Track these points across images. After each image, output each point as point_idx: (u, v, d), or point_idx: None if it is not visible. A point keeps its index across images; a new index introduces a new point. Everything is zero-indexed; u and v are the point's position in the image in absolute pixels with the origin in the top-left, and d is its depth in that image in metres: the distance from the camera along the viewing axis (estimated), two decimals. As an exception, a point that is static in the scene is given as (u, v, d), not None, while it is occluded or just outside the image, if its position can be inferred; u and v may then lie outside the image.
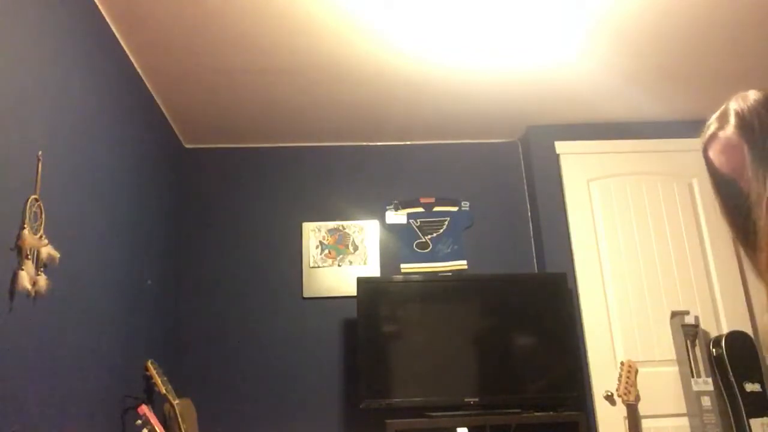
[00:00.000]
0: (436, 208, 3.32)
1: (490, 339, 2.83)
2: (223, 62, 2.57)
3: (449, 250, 3.24)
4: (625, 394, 2.71)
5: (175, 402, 2.43)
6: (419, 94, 2.90)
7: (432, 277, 2.98)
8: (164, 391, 2.41)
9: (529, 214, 3.33)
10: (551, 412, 2.71)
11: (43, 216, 1.68)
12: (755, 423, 2.69)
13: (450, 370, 2.77)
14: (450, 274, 3.18)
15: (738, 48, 2.64)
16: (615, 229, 3.12)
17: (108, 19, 2.25)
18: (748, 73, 2.85)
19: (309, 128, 3.21)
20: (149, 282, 2.69)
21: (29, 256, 1.60)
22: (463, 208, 3.32)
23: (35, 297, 1.65)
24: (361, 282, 2.86)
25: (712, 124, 1.27)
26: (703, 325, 2.95)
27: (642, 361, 2.90)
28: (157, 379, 2.43)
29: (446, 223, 3.29)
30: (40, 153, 1.70)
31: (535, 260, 3.25)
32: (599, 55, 2.63)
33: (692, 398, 2.76)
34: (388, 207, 3.30)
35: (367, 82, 2.77)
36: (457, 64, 2.65)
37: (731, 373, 2.77)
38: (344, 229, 3.23)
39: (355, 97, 2.91)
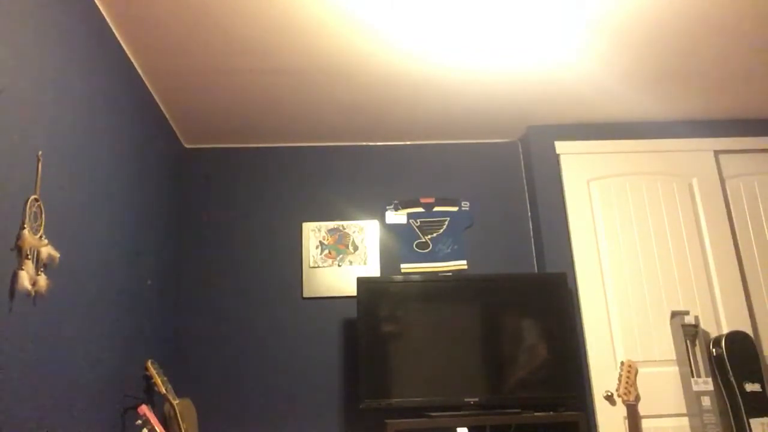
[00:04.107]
0: (436, 208, 3.32)
1: (490, 339, 2.83)
2: (223, 62, 2.57)
3: (449, 250, 3.24)
4: (625, 394, 2.72)
5: (175, 402, 2.43)
6: (419, 94, 2.90)
7: (432, 277, 2.98)
8: (164, 391, 2.41)
9: (529, 214, 3.33)
10: (551, 412, 2.71)
11: (43, 216, 1.68)
12: (755, 423, 2.69)
13: (450, 370, 2.77)
14: (450, 274, 3.18)
15: (738, 48, 2.64)
16: (615, 229, 3.12)
17: (108, 19, 2.25)
18: (748, 73, 2.85)
19: (309, 128, 3.21)
20: (149, 282, 2.69)
21: (29, 256, 1.60)
22: (463, 208, 3.32)
23: (35, 297, 1.65)
24: (361, 282, 2.86)
25: None
26: (703, 325, 2.95)
27: (642, 361, 2.90)
28: (157, 379, 2.43)
29: (446, 223, 3.29)
30: (40, 153, 1.70)
31: (535, 260, 3.25)
32: (599, 55, 2.63)
33: (692, 398, 2.76)
34: (388, 207, 3.30)
35: (367, 82, 2.77)
36: (458, 64, 2.65)
37: (731, 373, 2.77)
38: (344, 229, 3.23)
39: (355, 97, 2.91)
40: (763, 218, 3.20)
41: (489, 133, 3.37)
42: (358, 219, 3.27)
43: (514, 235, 3.30)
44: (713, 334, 2.95)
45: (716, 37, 2.55)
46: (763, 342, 2.98)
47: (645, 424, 2.82)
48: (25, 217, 1.60)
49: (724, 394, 2.79)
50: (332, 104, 2.96)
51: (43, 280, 1.65)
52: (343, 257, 3.18)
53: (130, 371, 2.40)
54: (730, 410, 2.77)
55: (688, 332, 2.87)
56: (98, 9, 2.17)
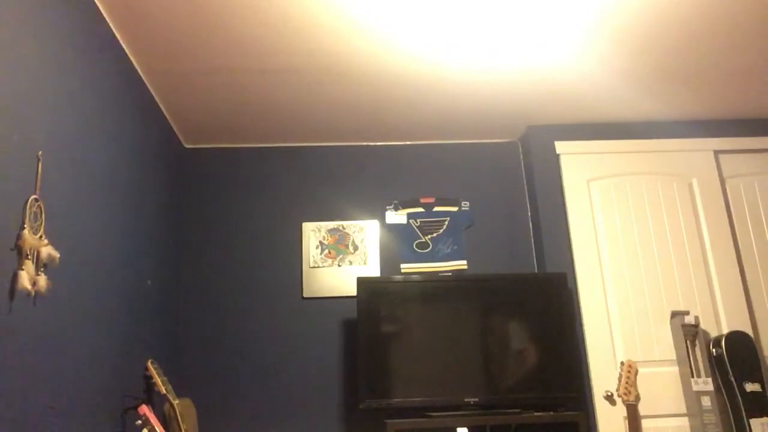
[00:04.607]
0: (436, 208, 3.32)
1: (490, 339, 2.83)
2: (223, 62, 2.57)
3: (449, 250, 3.24)
4: (625, 394, 2.71)
5: (175, 402, 2.43)
6: (419, 94, 2.90)
7: (432, 277, 2.98)
8: (164, 391, 2.41)
9: (529, 213, 3.33)
10: (551, 412, 2.71)
11: (43, 216, 1.68)
12: (755, 423, 2.69)
13: (450, 370, 2.77)
14: (450, 274, 3.18)
15: (738, 47, 2.64)
16: (615, 229, 3.12)
17: (108, 19, 2.25)
18: (748, 72, 2.85)
19: (309, 128, 3.21)
20: (149, 282, 2.69)
21: (29, 256, 1.60)
22: (463, 208, 3.32)
23: (35, 297, 1.65)
24: (361, 282, 2.86)
25: None
26: (703, 325, 2.95)
27: (642, 361, 2.90)
28: (157, 379, 2.43)
29: (446, 223, 3.29)
30: (40, 153, 1.70)
31: (535, 260, 3.25)
32: (599, 55, 2.63)
33: (692, 398, 2.76)
34: (388, 207, 3.30)
35: (367, 82, 2.77)
36: (457, 63, 2.65)
37: (731, 373, 2.77)
38: (344, 229, 3.23)
39: (355, 97, 2.91)
40: (763, 218, 3.20)
41: (489, 133, 3.37)
42: (358, 219, 3.27)
43: (514, 235, 3.30)
44: (713, 334, 2.95)
45: (716, 37, 2.55)
46: (763, 342, 2.98)
47: (645, 424, 2.81)
48: (25, 217, 1.60)
49: (724, 394, 2.79)
50: (332, 104, 2.96)
51: (43, 280, 1.65)
52: (343, 257, 3.18)
53: (130, 371, 2.40)
54: (730, 410, 2.77)
55: (688, 332, 2.87)
56: (98, 9, 2.17)
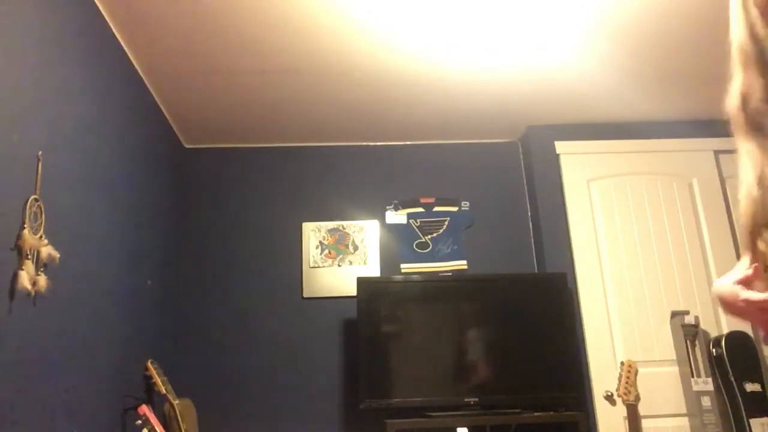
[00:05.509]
0: (436, 208, 3.32)
1: (490, 339, 2.83)
2: (223, 62, 2.57)
3: (449, 250, 3.24)
4: (625, 394, 2.71)
5: (175, 402, 2.43)
6: (419, 94, 2.90)
7: (432, 277, 2.98)
8: (164, 391, 2.41)
9: (529, 213, 3.33)
10: (551, 412, 2.71)
11: (43, 216, 1.68)
12: (755, 423, 2.69)
13: (450, 370, 2.77)
14: (450, 274, 3.18)
15: (738, 48, 2.63)
16: (615, 229, 3.12)
17: (108, 19, 2.25)
18: (748, 73, 2.84)
19: (309, 128, 3.21)
20: (149, 282, 2.69)
21: (29, 256, 1.60)
22: (463, 208, 3.32)
23: (35, 297, 1.65)
24: (361, 282, 2.86)
25: None
26: (703, 325, 2.95)
27: (642, 361, 2.90)
28: (157, 379, 2.43)
29: (446, 223, 3.29)
30: (40, 153, 1.70)
31: (535, 260, 3.25)
32: (599, 54, 2.63)
33: (692, 398, 2.76)
34: (388, 207, 3.30)
35: (367, 82, 2.77)
36: (457, 63, 2.65)
37: (731, 373, 2.77)
38: (344, 229, 3.23)
39: (355, 97, 2.91)
40: (763, 218, 3.19)
41: (489, 133, 3.37)
42: (358, 219, 3.26)
43: (514, 235, 3.30)
44: (713, 334, 2.95)
45: (716, 37, 2.55)
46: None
47: (645, 424, 2.81)
48: (25, 217, 1.60)
49: (724, 394, 2.79)
50: (332, 104, 2.96)
51: (43, 280, 1.65)
52: (343, 257, 3.18)
53: (130, 371, 2.40)
54: (730, 410, 2.77)
55: (688, 332, 2.87)
56: (98, 9, 2.17)
